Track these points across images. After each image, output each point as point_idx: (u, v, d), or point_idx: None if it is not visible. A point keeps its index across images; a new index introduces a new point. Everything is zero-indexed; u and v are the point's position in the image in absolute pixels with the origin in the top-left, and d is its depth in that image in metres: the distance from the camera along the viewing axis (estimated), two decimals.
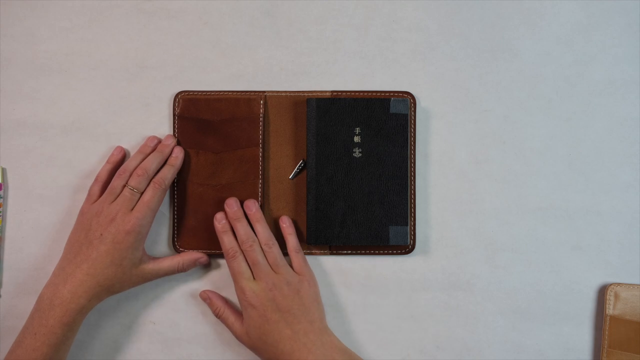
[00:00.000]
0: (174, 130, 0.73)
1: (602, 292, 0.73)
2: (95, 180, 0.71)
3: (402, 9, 0.75)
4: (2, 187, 0.73)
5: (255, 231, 0.71)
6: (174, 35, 0.75)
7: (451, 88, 0.75)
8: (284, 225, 0.72)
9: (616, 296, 0.72)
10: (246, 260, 0.69)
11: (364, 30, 0.75)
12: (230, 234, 0.70)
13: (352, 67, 0.74)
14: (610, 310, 0.71)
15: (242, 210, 0.71)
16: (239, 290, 0.69)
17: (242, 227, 0.70)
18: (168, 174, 0.70)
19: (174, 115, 0.73)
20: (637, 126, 0.74)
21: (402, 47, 0.75)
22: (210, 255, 0.73)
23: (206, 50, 0.74)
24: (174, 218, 0.73)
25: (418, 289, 0.73)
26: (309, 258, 0.73)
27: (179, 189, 0.73)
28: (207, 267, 0.74)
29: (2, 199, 0.73)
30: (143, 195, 0.69)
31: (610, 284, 0.72)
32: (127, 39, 0.74)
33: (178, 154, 0.72)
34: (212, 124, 0.73)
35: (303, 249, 0.73)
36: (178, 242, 0.73)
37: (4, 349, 0.72)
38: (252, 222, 0.71)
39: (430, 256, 0.74)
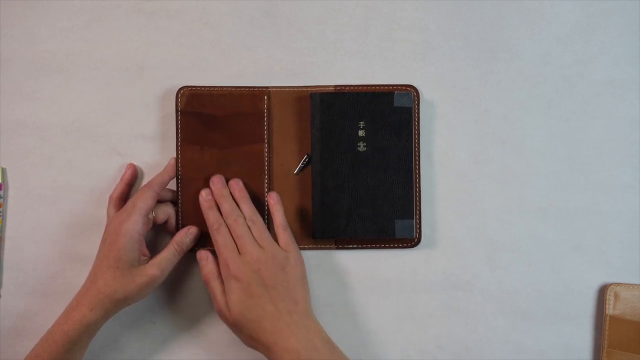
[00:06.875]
0: (177, 126, 0.72)
1: (602, 292, 0.73)
2: (109, 202, 0.71)
3: (402, 9, 0.75)
4: (2, 187, 0.73)
5: (241, 210, 0.69)
6: (174, 35, 0.75)
7: (451, 88, 0.75)
8: (272, 202, 0.70)
9: (616, 296, 0.72)
10: (231, 235, 0.68)
11: (364, 30, 0.75)
12: (215, 209, 0.69)
13: (352, 67, 0.74)
14: (610, 310, 0.71)
15: (227, 188, 0.70)
16: (223, 263, 0.66)
17: (227, 203, 0.69)
18: (157, 175, 0.70)
19: (177, 110, 0.72)
20: (637, 126, 0.74)
21: (402, 47, 0.75)
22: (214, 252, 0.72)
23: (206, 50, 0.74)
24: (178, 215, 0.72)
25: (418, 289, 0.73)
26: (315, 253, 0.73)
27: (183, 186, 0.72)
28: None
29: (2, 199, 0.73)
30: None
31: (610, 284, 0.72)
32: (127, 39, 0.74)
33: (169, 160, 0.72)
34: (216, 119, 0.72)
35: (308, 244, 0.72)
36: None
37: (4, 348, 0.72)
38: (237, 201, 0.70)
39: (430, 256, 0.74)
